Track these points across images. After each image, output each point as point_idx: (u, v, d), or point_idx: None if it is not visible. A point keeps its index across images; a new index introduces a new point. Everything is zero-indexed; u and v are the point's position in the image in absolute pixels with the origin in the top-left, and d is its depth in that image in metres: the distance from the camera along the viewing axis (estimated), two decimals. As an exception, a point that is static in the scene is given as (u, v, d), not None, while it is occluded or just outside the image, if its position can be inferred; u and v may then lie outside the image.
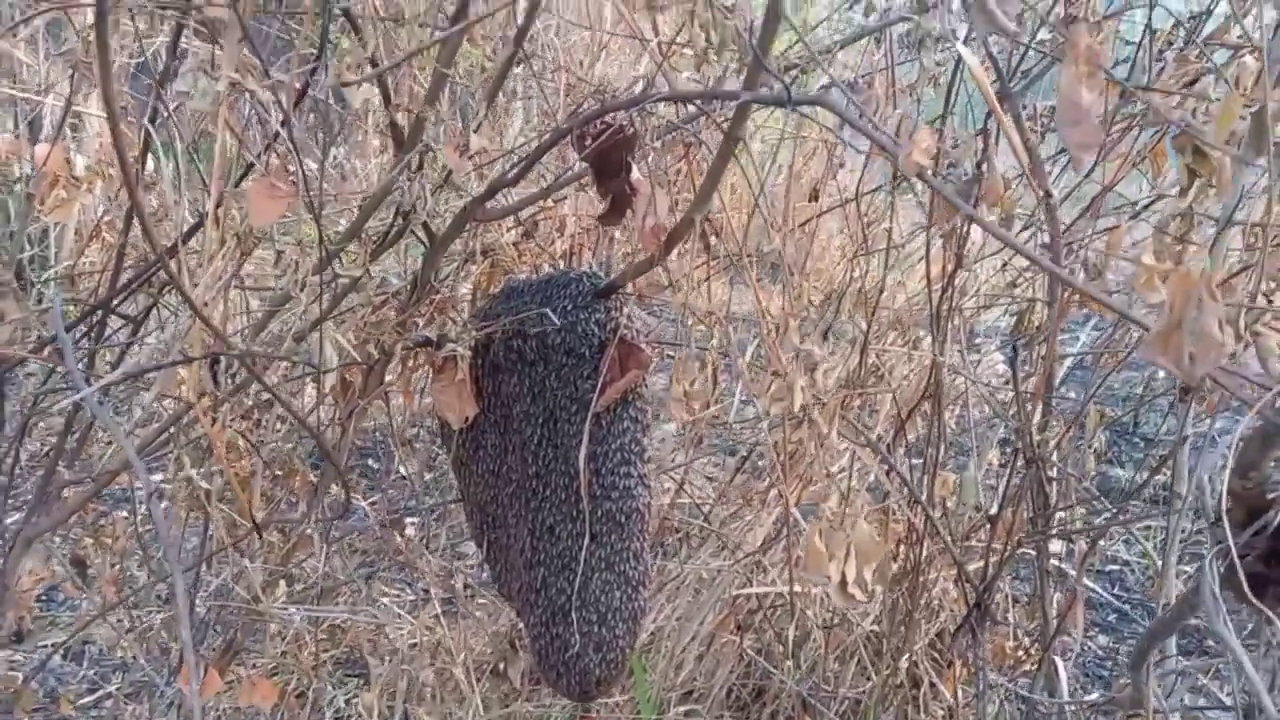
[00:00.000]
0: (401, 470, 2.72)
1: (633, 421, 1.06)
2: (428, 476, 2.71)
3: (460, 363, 1.04)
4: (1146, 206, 1.67)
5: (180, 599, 0.74)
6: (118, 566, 1.46)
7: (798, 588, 1.57)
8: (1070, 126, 0.56)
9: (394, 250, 1.21)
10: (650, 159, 0.86)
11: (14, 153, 1.43)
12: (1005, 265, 2.14)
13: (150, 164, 1.37)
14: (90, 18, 1.24)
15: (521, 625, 1.21)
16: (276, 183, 0.82)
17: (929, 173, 0.59)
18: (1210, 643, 2.14)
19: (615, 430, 1.06)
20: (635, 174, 0.93)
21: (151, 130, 0.85)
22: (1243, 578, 0.56)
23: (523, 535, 1.12)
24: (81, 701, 2.03)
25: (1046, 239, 1.61)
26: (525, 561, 1.12)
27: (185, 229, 0.96)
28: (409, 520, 2.33)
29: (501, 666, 1.22)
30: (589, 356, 1.05)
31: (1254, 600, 0.57)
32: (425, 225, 1.14)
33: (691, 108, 0.95)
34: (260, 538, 1.06)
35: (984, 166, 1.26)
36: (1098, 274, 1.74)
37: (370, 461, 2.89)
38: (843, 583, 0.74)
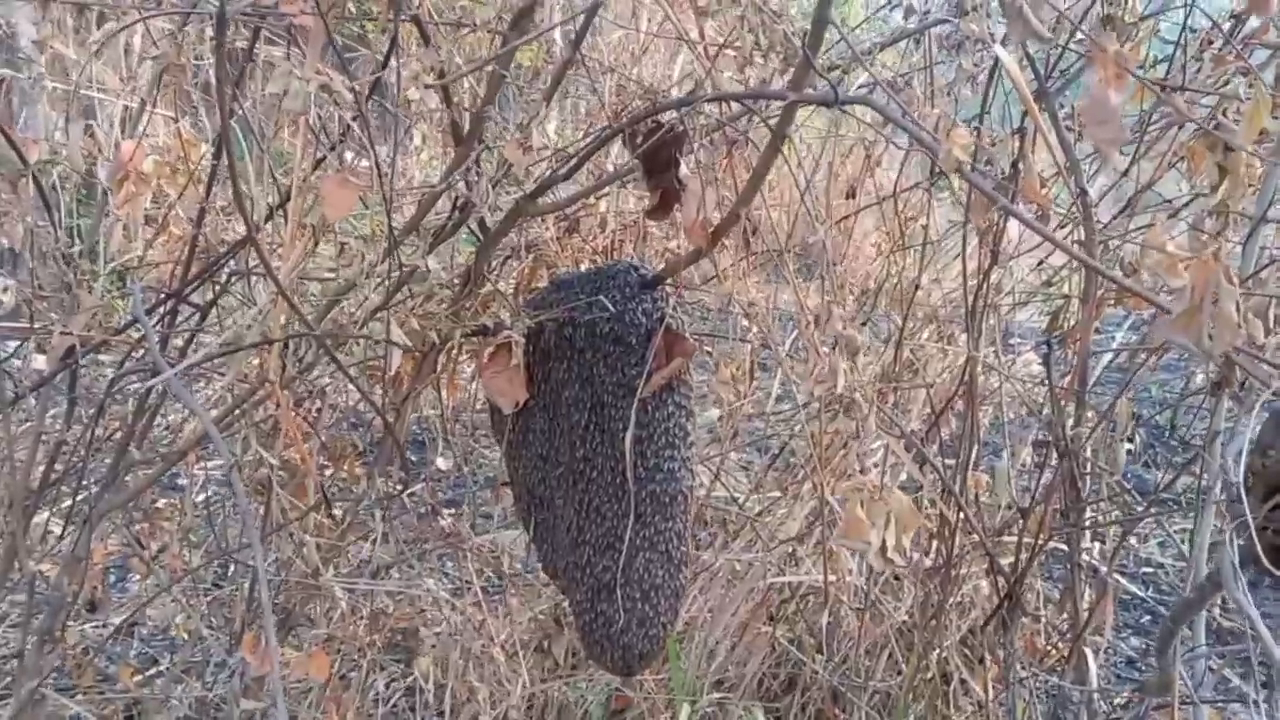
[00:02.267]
0: (440, 463, 2.78)
1: (677, 407, 1.11)
2: (464, 470, 2.77)
3: (515, 348, 1.09)
4: (1185, 206, 1.69)
5: (259, 563, 0.80)
6: (179, 544, 1.53)
7: (832, 577, 1.60)
8: (1097, 125, 0.59)
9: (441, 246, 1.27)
10: (698, 156, 0.91)
11: (95, 151, 1.50)
12: (1041, 263, 2.17)
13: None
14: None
15: (567, 603, 1.26)
16: (349, 176, 0.88)
17: (967, 168, 0.63)
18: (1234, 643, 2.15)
19: (660, 415, 1.10)
20: (683, 170, 0.97)
21: (236, 130, 0.90)
22: (1260, 550, 0.59)
23: (569, 516, 1.17)
24: (136, 679, 2.10)
25: (1082, 236, 1.64)
26: (572, 541, 1.17)
27: (264, 215, 1.02)
28: (446, 512, 2.40)
29: (546, 644, 1.27)
30: (636, 345, 1.10)
31: (1273, 569, 0.60)
32: (480, 219, 1.19)
33: (737, 107, 1.00)
34: (329, 507, 1.12)
35: (1020, 165, 1.30)
36: (1133, 271, 1.77)
37: (409, 455, 2.96)
38: (882, 548, 0.78)
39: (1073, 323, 1.76)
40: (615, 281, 1.10)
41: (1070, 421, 1.54)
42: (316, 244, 0.95)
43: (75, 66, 1.41)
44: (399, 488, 1.29)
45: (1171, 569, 2.84)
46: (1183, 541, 2.32)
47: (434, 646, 1.39)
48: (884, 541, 0.77)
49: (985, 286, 1.60)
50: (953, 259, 2.25)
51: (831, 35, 0.92)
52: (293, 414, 1.17)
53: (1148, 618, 2.65)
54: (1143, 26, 1.42)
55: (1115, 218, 1.62)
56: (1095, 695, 1.36)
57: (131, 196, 1.55)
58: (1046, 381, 1.56)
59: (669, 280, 1.10)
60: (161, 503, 2.23)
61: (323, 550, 1.36)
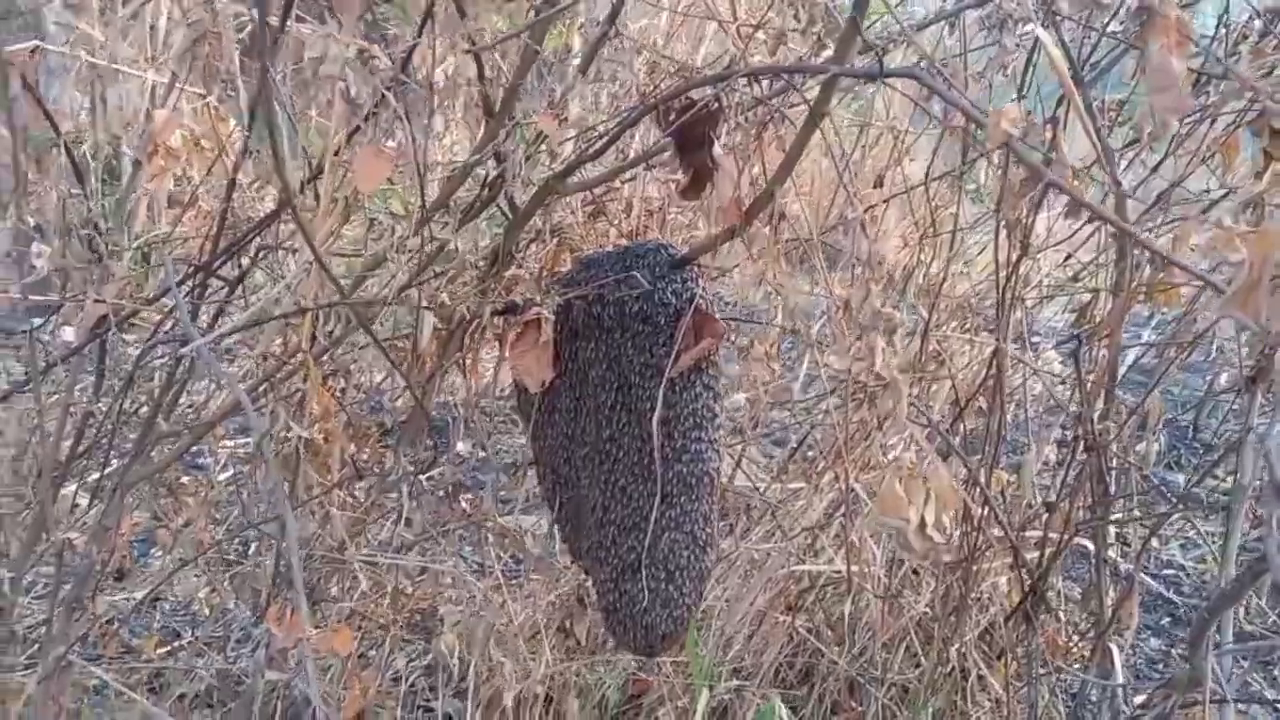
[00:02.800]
0: (459, 447, 2.79)
1: (705, 388, 1.11)
2: (481, 455, 2.78)
3: (544, 324, 1.09)
4: (1217, 202, 1.67)
5: (291, 534, 0.80)
6: (204, 519, 1.54)
7: (854, 567, 1.60)
8: (1158, 93, 0.58)
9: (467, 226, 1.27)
10: (733, 134, 0.90)
11: (124, 126, 1.50)
12: (1068, 258, 2.15)
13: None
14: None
15: (590, 583, 1.26)
16: (382, 148, 0.88)
17: (1015, 142, 0.62)
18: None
19: (688, 396, 1.10)
20: (717, 149, 0.97)
21: (279, 103, 0.90)
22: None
23: (595, 496, 1.17)
24: (160, 651, 2.13)
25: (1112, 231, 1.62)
26: (596, 521, 1.17)
27: (297, 187, 1.02)
28: (465, 497, 2.41)
29: (568, 623, 1.27)
30: (664, 324, 1.09)
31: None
32: (509, 197, 1.19)
33: (771, 85, 0.99)
34: (358, 480, 1.12)
35: (1054, 155, 1.28)
36: (1166, 264, 1.74)
37: (429, 440, 2.97)
38: (921, 525, 0.78)
39: (1100, 318, 1.74)
40: (645, 261, 1.10)
41: (1098, 416, 1.53)
42: (348, 217, 0.95)
43: (100, 46, 1.42)
44: (425, 465, 1.29)
45: (1193, 571, 2.82)
46: (1212, 542, 2.30)
47: (456, 623, 1.39)
48: (923, 519, 0.77)
49: (1014, 279, 1.58)
50: (978, 253, 2.23)
51: (868, 15, 0.90)
52: (322, 386, 1.18)
53: (1168, 619, 2.63)
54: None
55: (1146, 212, 1.60)
56: (1120, 691, 1.35)
57: (160, 171, 1.55)
58: (1075, 375, 1.54)
59: (698, 261, 1.10)
60: (185, 479, 2.24)
61: (347, 526, 1.37)
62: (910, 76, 0.71)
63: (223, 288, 1.34)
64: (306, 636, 1.27)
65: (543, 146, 1.08)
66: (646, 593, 1.12)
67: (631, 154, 1.20)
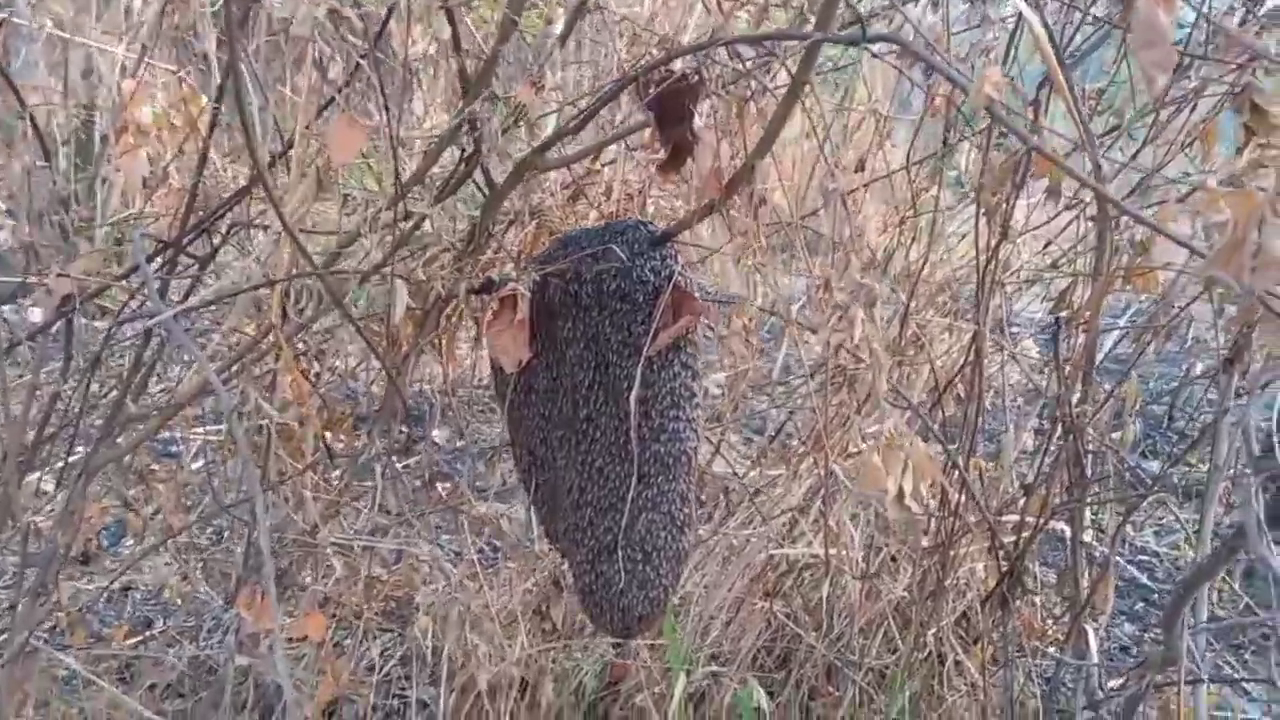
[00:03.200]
0: (435, 435, 2.77)
1: (683, 367, 1.10)
2: (459, 443, 2.76)
3: (520, 302, 1.07)
4: (1195, 189, 1.67)
5: (261, 517, 0.78)
6: (175, 504, 1.51)
7: (832, 550, 1.59)
8: (1146, 48, 0.58)
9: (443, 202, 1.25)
10: (714, 107, 0.89)
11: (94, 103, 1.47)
12: (1048, 245, 2.15)
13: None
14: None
15: (566, 565, 1.25)
16: (356, 118, 0.86)
17: (998, 107, 0.61)
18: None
19: (666, 375, 1.09)
20: (697, 122, 0.95)
21: (247, 71, 0.88)
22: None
23: (571, 476, 1.15)
24: (131, 641, 2.10)
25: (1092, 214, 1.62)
26: (573, 502, 1.15)
27: (267, 160, 1.00)
28: (441, 485, 2.39)
29: (544, 607, 1.26)
30: (643, 302, 1.08)
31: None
32: (486, 173, 1.17)
33: (753, 60, 0.98)
34: (331, 463, 1.10)
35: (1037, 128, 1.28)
36: (1144, 250, 1.75)
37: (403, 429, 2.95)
38: (899, 495, 0.77)
39: (1078, 303, 1.74)
40: (623, 238, 1.08)
41: (1076, 399, 1.53)
42: (320, 189, 0.93)
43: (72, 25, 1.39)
44: (401, 449, 1.27)
45: (1167, 557, 2.85)
46: (1186, 526, 2.32)
47: (430, 605, 1.37)
48: (901, 489, 0.76)
49: (994, 263, 1.58)
50: (958, 240, 2.24)
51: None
52: (295, 364, 1.15)
53: (1142, 604, 2.65)
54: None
55: (1127, 196, 1.60)
56: (1095, 673, 1.35)
57: (130, 149, 1.52)
58: (1053, 358, 1.55)
59: (677, 240, 1.09)
60: (155, 467, 2.20)
61: (320, 511, 1.35)
62: (893, 41, 0.70)
63: (193, 265, 1.31)
64: (277, 622, 1.25)
65: (521, 121, 1.06)
66: (623, 574, 1.11)
67: (612, 130, 1.18)
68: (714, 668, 2.02)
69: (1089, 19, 1.39)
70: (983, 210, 1.54)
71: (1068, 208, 1.77)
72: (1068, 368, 1.52)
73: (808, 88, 0.81)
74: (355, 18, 0.73)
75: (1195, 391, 3.26)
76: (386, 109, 0.83)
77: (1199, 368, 3.12)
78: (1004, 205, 1.55)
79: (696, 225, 1.04)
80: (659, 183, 1.93)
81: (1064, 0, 1.03)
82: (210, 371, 0.87)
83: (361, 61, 0.83)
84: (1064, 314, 1.68)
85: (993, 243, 1.56)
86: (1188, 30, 1.47)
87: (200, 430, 2.49)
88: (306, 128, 1.01)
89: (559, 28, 1.04)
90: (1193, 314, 1.82)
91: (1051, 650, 1.78)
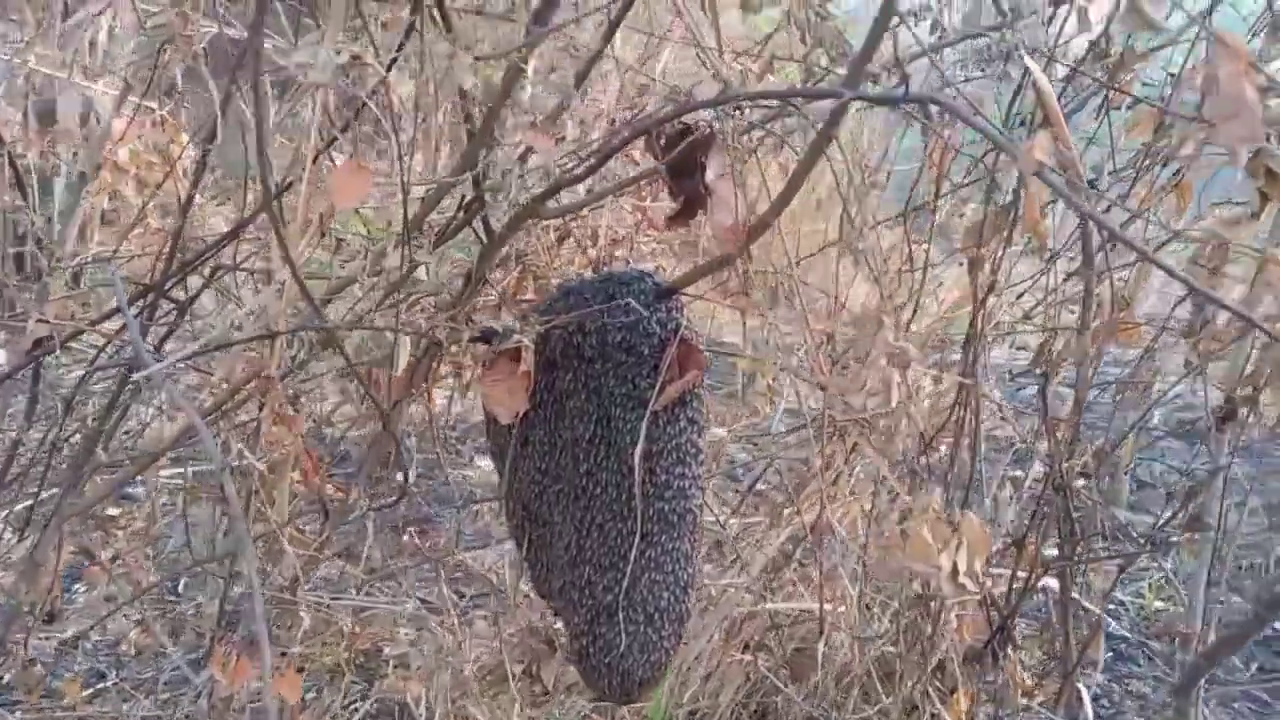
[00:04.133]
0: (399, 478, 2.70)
1: (689, 422, 1.07)
2: (426, 487, 2.70)
3: (525, 354, 1.04)
4: (1164, 245, 1.71)
5: (252, 572, 0.74)
6: (141, 553, 1.45)
7: (827, 606, 1.57)
8: (1230, 120, 0.57)
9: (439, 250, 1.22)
10: (730, 160, 0.87)
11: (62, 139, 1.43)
12: (1020, 296, 2.17)
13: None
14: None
15: (561, 625, 1.21)
16: (362, 164, 0.83)
17: (1047, 172, 0.60)
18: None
19: (672, 430, 1.06)
20: (710, 174, 0.94)
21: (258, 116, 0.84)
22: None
23: (569, 533, 1.12)
24: (84, 694, 2.00)
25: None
26: (570, 560, 1.12)
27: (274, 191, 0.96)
28: (413, 530, 2.33)
29: (534, 668, 1.22)
30: (648, 355, 1.05)
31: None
32: (485, 220, 1.14)
33: (760, 112, 0.97)
34: (326, 517, 1.05)
35: (1022, 191, 1.28)
36: (1126, 305, 1.77)
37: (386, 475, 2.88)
38: (954, 572, 0.75)
39: (1057, 356, 1.75)
40: (629, 289, 1.06)
41: (1065, 455, 1.53)
42: (324, 234, 0.90)
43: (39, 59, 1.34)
44: (398, 495, 1.23)
45: (1131, 605, 2.86)
46: (1166, 579, 2.32)
47: (397, 668, 1.32)
48: (954, 565, 0.74)
49: (982, 315, 1.59)
50: (934, 289, 2.25)
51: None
52: (287, 410, 1.11)
53: (1110, 654, 2.66)
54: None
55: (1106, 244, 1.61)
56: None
57: (106, 186, 1.47)
58: (1041, 413, 1.54)
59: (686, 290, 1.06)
60: (114, 510, 2.12)
61: (298, 564, 1.29)
62: (933, 102, 0.69)
63: (172, 310, 1.27)
64: (247, 685, 1.19)
65: (524, 169, 1.04)
66: (624, 636, 1.07)
67: (612, 179, 1.16)
68: (692, 725, 1.98)
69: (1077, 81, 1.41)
70: (966, 262, 1.55)
71: (1052, 258, 1.79)
72: (1059, 424, 1.52)
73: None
74: (376, 64, 0.70)
75: (1155, 440, 3.30)
76: (400, 156, 0.80)
77: (1156, 417, 3.17)
78: (995, 257, 1.56)
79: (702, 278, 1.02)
80: (644, 228, 1.91)
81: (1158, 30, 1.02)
82: (201, 424, 0.82)
83: (372, 106, 0.80)
84: (1045, 368, 1.68)
85: (981, 294, 1.57)
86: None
87: (164, 473, 2.41)
88: (308, 168, 0.98)
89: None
90: (1160, 365, 1.84)
91: (1040, 704, 1.76)
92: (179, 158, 1.39)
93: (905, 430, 1.16)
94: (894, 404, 0.80)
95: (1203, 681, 0.97)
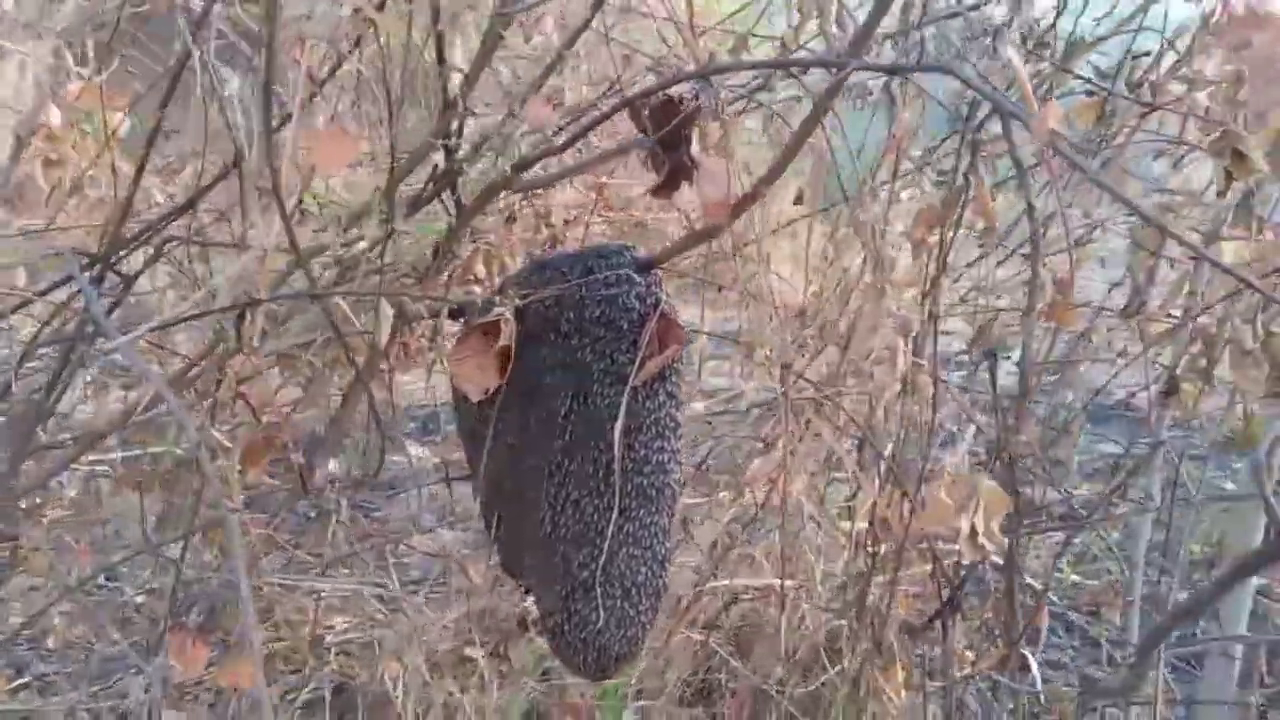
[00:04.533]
0: (331, 465, 2.64)
1: (668, 396, 1.06)
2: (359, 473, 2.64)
3: (505, 328, 1.02)
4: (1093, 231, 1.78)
5: (241, 573, 0.71)
6: (83, 540, 1.38)
7: (789, 581, 1.59)
8: (1267, 84, 0.59)
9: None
10: (719, 131, 0.87)
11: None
12: (959, 278, 2.22)
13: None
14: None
15: (532, 603, 1.19)
16: (344, 129, 0.80)
17: (1061, 141, 0.61)
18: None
19: (651, 405, 1.05)
20: (694, 147, 0.93)
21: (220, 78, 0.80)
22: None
23: (542, 509, 1.10)
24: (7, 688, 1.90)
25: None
26: (544, 536, 1.10)
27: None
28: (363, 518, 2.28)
29: (502, 648, 1.20)
30: (627, 330, 1.04)
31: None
32: (456, 194, 1.12)
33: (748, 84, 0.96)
34: (306, 493, 1.02)
35: (970, 176, 1.31)
36: (1066, 287, 1.82)
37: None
38: (972, 534, 0.76)
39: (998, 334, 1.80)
40: (608, 263, 1.05)
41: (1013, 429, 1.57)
42: (301, 202, 0.87)
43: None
44: (373, 473, 1.19)
45: (1066, 578, 2.96)
46: (1109, 552, 2.41)
47: (346, 654, 1.29)
48: (973, 527, 0.75)
49: (934, 294, 1.62)
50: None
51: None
52: (236, 392, 1.07)
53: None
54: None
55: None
56: (1040, 696, 1.38)
57: (39, 154, 1.40)
58: (990, 390, 1.58)
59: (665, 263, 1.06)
60: (39, 499, 2.02)
61: (256, 549, 1.25)
62: (946, 71, 0.69)
63: (118, 284, 1.21)
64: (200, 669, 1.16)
65: (495, 140, 1.02)
66: (601, 612, 1.06)
67: (587, 150, 1.15)
68: (641, 702, 1.99)
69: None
70: (916, 244, 1.58)
71: (1001, 244, 1.84)
72: (1005, 399, 1.56)
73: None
74: (378, 17, 0.68)
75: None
76: (391, 115, 0.77)
77: (1070, 395, 3.28)
78: (945, 240, 1.59)
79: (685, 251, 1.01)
80: (601, 207, 1.90)
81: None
82: (174, 400, 0.79)
83: (363, 71, 0.77)
84: (993, 347, 1.73)
85: (932, 275, 1.60)
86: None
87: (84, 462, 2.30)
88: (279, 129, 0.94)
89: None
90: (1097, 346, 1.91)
91: (982, 676, 1.82)
92: (117, 129, 1.33)
93: (889, 403, 1.17)
94: (899, 371, 0.81)
95: (1162, 645, 1.02)
